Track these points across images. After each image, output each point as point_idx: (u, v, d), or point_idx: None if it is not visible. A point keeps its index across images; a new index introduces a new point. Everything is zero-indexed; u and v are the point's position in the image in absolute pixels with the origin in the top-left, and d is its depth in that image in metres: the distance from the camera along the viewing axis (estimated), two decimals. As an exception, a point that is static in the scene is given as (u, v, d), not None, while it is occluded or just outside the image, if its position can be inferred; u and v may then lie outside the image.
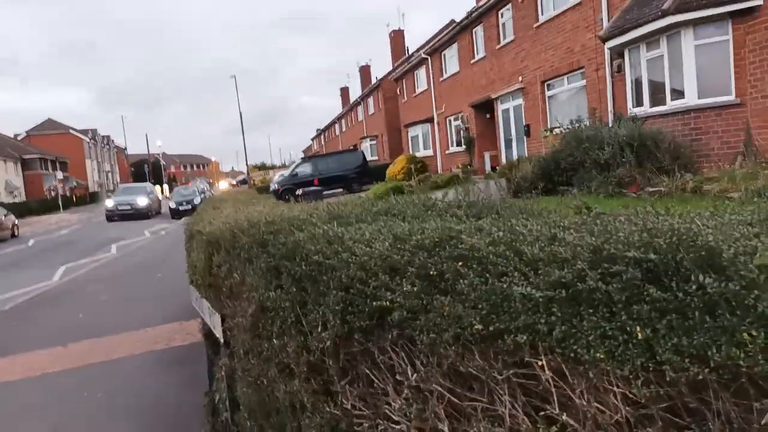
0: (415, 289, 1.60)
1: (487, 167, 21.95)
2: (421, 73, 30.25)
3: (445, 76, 26.47)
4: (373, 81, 43.60)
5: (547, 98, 17.75)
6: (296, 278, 2.11)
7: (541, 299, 1.26)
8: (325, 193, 21.04)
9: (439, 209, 2.58)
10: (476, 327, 1.39)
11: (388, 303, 1.69)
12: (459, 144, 25.37)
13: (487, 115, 22.63)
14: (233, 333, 3.10)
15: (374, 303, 1.72)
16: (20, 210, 45.11)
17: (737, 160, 10.46)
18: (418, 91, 31.04)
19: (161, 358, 7.25)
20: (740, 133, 10.74)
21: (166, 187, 58.43)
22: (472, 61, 22.92)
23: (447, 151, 27.18)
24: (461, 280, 1.45)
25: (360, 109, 47.67)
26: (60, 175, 56.63)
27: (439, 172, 26.17)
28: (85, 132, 75.54)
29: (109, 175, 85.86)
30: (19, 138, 67.23)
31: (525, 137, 19.13)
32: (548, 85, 17.66)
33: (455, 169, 23.25)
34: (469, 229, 1.66)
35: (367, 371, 1.92)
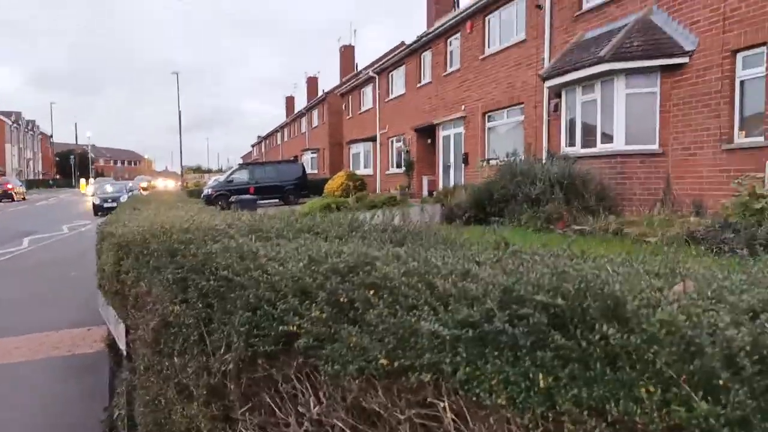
0: (324, 315, 1.52)
1: (425, 191, 22.24)
2: (368, 91, 30.46)
3: (391, 96, 26.76)
4: (320, 94, 43.49)
5: (486, 129, 18.23)
6: (203, 293, 1.98)
7: (448, 337, 1.21)
8: (260, 202, 20.63)
9: (363, 231, 2.52)
10: (381, 361, 1.33)
11: (295, 328, 1.60)
12: (399, 166, 25.61)
13: (429, 140, 23.00)
14: (136, 346, 2.90)
15: (281, 327, 1.63)
16: None
17: (656, 207, 11.06)
18: (364, 108, 31.20)
19: (62, 365, 6.76)
20: (660, 181, 11.38)
21: (92, 181, 55.60)
22: (418, 85, 23.30)
23: (387, 172, 27.36)
24: (371, 310, 1.39)
25: (304, 120, 47.38)
26: (-26, 158, 52.79)
27: (377, 191, 26.28)
28: (7, 114, 71.06)
29: (31, 162, 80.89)
30: (-69, 114, 62.40)
31: (463, 165, 19.53)
32: (489, 117, 18.16)
33: (393, 191, 23.41)
34: (387, 257, 1.60)
35: (269, 399, 1.81)
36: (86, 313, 8.37)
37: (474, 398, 1.17)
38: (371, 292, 1.44)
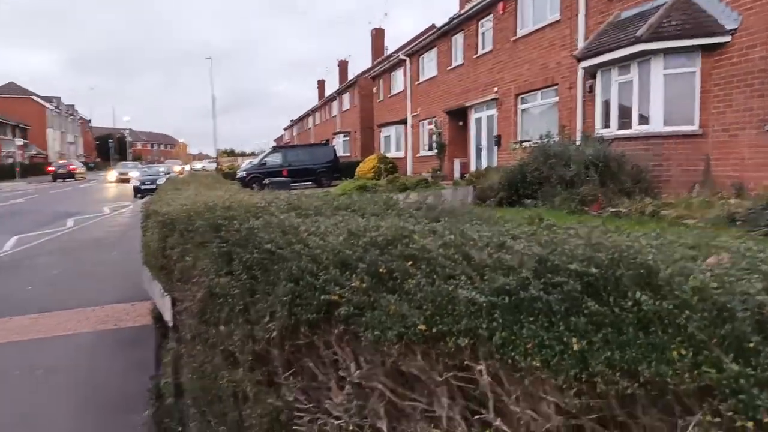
0: (364, 285, 1.59)
1: (456, 174, 22.13)
2: (399, 75, 30.30)
3: (422, 79, 26.58)
4: (351, 77, 43.46)
5: (519, 111, 18.00)
6: (247, 266, 2.08)
7: (484, 304, 1.27)
8: (292, 185, 20.87)
9: (399, 209, 2.58)
10: (420, 327, 1.40)
11: (336, 297, 1.68)
12: (430, 148, 25.50)
13: (460, 123, 22.82)
14: (182, 317, 3.04)
15: (322, 297, 1.71)
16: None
17: (695, 189, 10.82)
18: (394, 91, 31.08)
19: (109, 338, 7.05)
20: (700, 163, 11.10)
21: (116, 166, 57.12)
22: (450, 68, 23.08)
23: (418, 155, 27.30)
24: (409, 280, 1.46)
25: (335, 104, 47.46)
26: (20, 141, 54.72)
27: (408, 174, 26.27)
28: (48, 99, 73.08)
29: (72, 146, 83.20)
30: (-23, 100, 64.60)
31: (495, 147, 19.36)
32: (522, 99, 17.91)
33: (425, 173, 23.37)
34: (423, 231, 1.66)
35: (311, 365, 1.91)
36: (129, 290, 8.69)
37: (509, 361, 1.24)
38: (409, 263, 1.51)
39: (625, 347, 1.09)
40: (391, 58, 31.71)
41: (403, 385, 1.59)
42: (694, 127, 11.22)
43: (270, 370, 2.10)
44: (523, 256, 1.30)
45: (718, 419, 0.98)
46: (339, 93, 45.82)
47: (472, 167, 20.99)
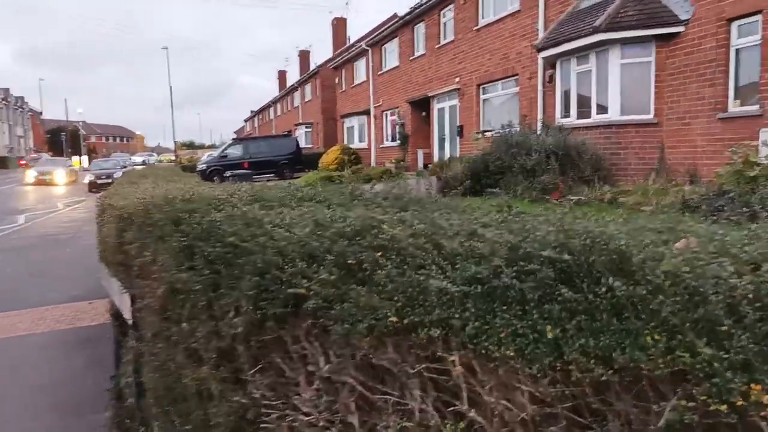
0: (333, 277, 1.55)
1: (420, 164, 22.20)
2: (361, 65, 30.12)
3: (384, 69, 26.49)
4: (312, 67, 42.99)
5: (481, 101, 18.13)
6: (210, 260, 2.00)
7: (456, 294, 1.24)
8: (254, 177, 20.55)
9: (365, 199, 2.54)
10: (391, 319, 1.36)
11: (303, 291, 1.63)
12: (394, 139, 25.48)
13: (423, 113, 22.86)
14: (142, 315, 2.94)
15: (289, 290, 1.66)
16: None
17: (651, 176, 11.11)
18: (357, 82, 30.90)
19: (66, 338, 6.81)
20: (655, 151, 11.41)
21: (84, 158, 54.84)
22: (412, 58, 23.06)
23: (381, 145, 27.25)
24: (379, 271, 1.42)
25: (297, 94, 46.91)
26: (-36, 135, 52.30)
27: (372, 165, 26.20)
28: (-5, 91, 69.96)
29: (22, 140, 79.94)
30: None
31: (458, 137, 19.47)
32: (483, 89, 18.04)
33: (388, 164, 23.35)
34: (392, 220, 1.63)
35: (279, 360, 1.86)
36: (86, 288, 8.41)
37: (483, 351, 1.22)
38: (379, 253, 1.47)
39: (599, 334, 1.08)
40: (353, 48, 31.48)
41: (374, 379, 1.56)
42: (649, 116, 11.51)
43: (236, 367, 2.04)
44: (495, 244, 1.28)
45: (692, 404, 0.98)
46: (300, 83, 45.29)
47: (435, 158, 21.08)
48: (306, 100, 43.91)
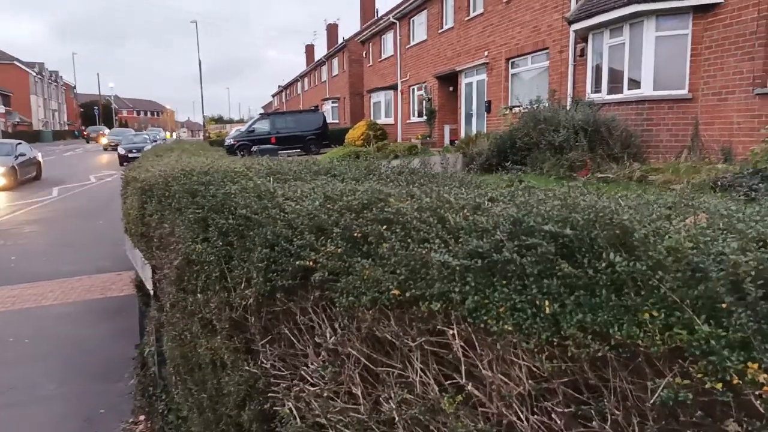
0: (339, 250, 1.56)
1: (446, 140, 21.99)
2: (389, 38, 29.77)
3: (412, 43, 26.13)
4: (340, 41, 42.68)
5: (510, 76, 17.79)
6: (223, 232, 2.03)
7: (457, 268, 1.24)
8: (281, 152, 20.65)
9: (380, 174, 2.53)
10: (393, 292, 1.37)
11: (311, 263, 1.65)
12: (420, 114, 25.26)
13: (450, 88, 22.56)
14: (161, 285, 3.01)
15: (297, 262, 1.67)
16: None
17: (683, 154, 10.80)
18: (384, 56, 30.59)
19: (95, 307, 7.05)
20: (688, 128, 11.07)
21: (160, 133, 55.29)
22: (440, 31, 22.68)
23: (408, 121, 27.05)
24: (383, 244, 1.42)
25: (324, 69, 46.70)
26: (1, 108, 53.62)
27: (398, 140, 26.07)
28: (31, 65, 71.30)
29: (56, 114, 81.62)
30: (-43, 65, 62.85)
31: (485, 113, 19.18)
32: (512, 63, 17.68)
33: (414, 140, 23.20)
34: (400, 194, 1.62)
35: (288, 332, 1.88)
36: (116, 259, 8.63)
37: (482, 325, 1.21)
38: (384, 227, 1.47)
39: (598, 310, 1.07)
40: (381, 21, 31.10)
41: (378, 351, 1.57)
42: (684, 92, 11.14)
43: (248, 337, 2.08)
44: (499, 218, 1.26)
45: (687, 381, 0.97)
46: (328, 58, 45.06)
47: (462, 133, 20.84)
48: (333, 74, 43.73)
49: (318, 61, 49.59)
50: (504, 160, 12.71)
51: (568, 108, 12.64)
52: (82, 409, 4.47)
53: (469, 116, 21.02)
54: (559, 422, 1.17)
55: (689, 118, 11.05)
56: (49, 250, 10.24)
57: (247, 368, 2.04)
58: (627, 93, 11.95)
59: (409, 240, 1.39)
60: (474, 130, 19.59)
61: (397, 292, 1.36)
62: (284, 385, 1.87)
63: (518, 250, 1.17)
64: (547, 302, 1.12)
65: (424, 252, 1.31)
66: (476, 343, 1.25)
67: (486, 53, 18.75)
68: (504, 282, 1.18)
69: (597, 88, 13.01)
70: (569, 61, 14.33)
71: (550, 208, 1.22)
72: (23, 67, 69.21)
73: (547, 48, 15.51)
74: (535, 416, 1.20)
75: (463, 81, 21.04)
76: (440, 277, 1.27)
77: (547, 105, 13.18)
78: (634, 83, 11.79)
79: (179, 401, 3.25)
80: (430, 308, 1.29)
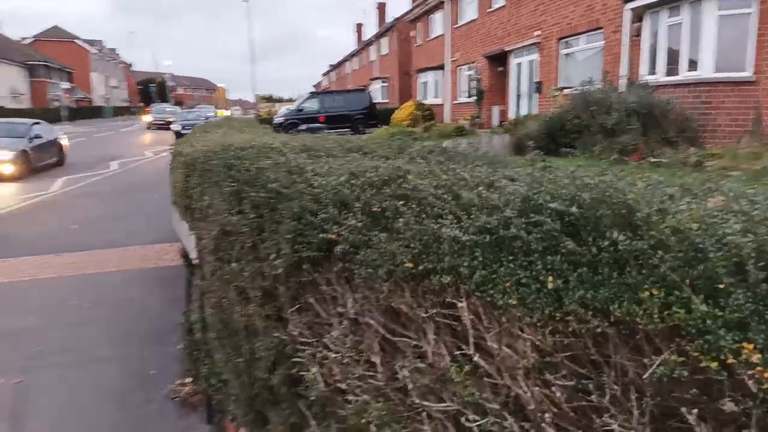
0: (359, 224, 1.61)
1: (495, 121, 21.67)
2: (438, 17, 29.37)
3: (461, 22, 25.71)
4: (389, 20, 42.40)
5: (561, 56, 17.31)
6: (255, 204, 2.13)
7: (467, 243, 1.28)
8: (328, 131, 20.84)
9: (411, 152, 2.57)
10: (407, 265, 1.42)
11: (334, 236, 1.71)
12: (469, 95, 24.92)
13: (500, 68, 22.15)
14: (203, 254, 3.15)
15: (321, 235, 1.74)
16: (23, 117, 44.71)
17: (743, 139, 10.32)
18: (433, 35, 30.24)
19: (149, 275, 7.40)
20: (750, 112, 10.55)
21: (174, 108, 56.94)
22: (490, 10, 22.22)
23: (456, 101, 26.76)
24: (399, 218, 1.47)
25: (373, 48, 46.57)
26: (66, 85, 56.00)
27: (446, 121, 25.85)
28: (91, 43, 73.95)
29: (115, 91, 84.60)
30: (24, 42, 65.83)
31: (535, 94, 18.78)
32: (564, 43, 17.19)
33: (462, 121, 22.95)
34: (420, 171, 1.66)
35: (313, 301, 1.97)
36: (169, 230, 8.98)
37: (488, 299, 1.25)
38: (401, 202, 1.52)
39: (600, 287, 1.09)
40: (430, 1, 30.69)
41: (395, 322, 1.63)
42: (746, 74, 10.60)
43: (277, 305, 2.18)
44: (510, 195, 1.29)
45: (683, 359, 0.98)
46: (377, 37, 44.88)
47: (511, 115, 20.49)
48: (382, 54, 43.56)
49: (367, 41, 49.49)
50: (553, 143, 12.46)
51: (621, 90, 12.24)
52: (135, 369, 4.74)
53: (518, 97, 20.63)
54: (560, 395, 1.21)
55: (751, 102, 10.53)
56: (107, 220, 10.76)
57: (276, 335, 2.14)
58: (685, 74, 11.47)
59: (423, 215, 1.43)
60: (523, 112, 19.23)
61: (410, 265, 1.41)
62: (309, 352, 1.96)
63: (525, 227, 1.20)
64: (550, 278, 1.14)
65: (436, 227, 1.35)
66: (483, 316, 1.30)
67: (537, 33, 18.29)
68: (510, 257, 1.21)
69: (652, 70, 12.54)
70: (623, 41, 13.83)
71: (559, 187, 1.24)
72: (83, 44, 71.85)
73: (600, 27, 15.00)
74: (538, 388, 1.24)
75: (513, 61, 20.63)
76: (450, 252, 1.31)
77: (599, 86, 12.80)
78: (693, 65, 11.30)
79: (220, 365, 3.42)
80: (441, 281, 1.34)
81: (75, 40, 71.25)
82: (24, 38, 67.36)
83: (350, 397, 1.77)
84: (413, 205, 1.47)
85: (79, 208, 11.98)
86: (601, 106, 11.70)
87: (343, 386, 1.79)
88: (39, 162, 17.02)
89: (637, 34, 13.22)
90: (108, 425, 3.89)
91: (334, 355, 1.83)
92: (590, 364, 1.17)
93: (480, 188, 1.42)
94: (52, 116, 50.89)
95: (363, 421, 1.70)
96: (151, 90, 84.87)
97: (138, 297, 6.50)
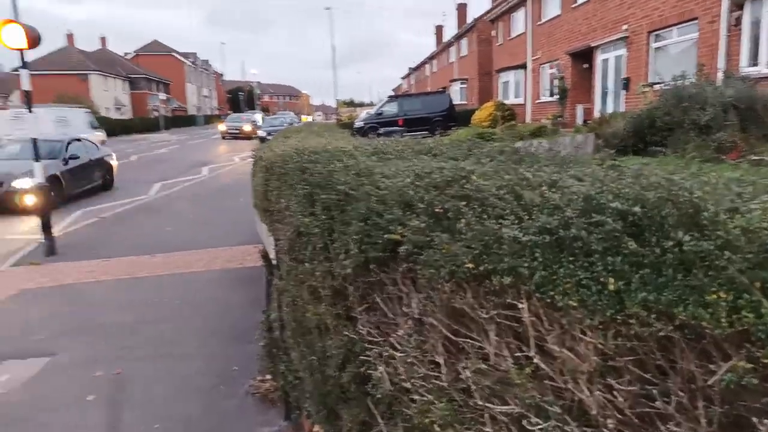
0: (423, 225, 1.64)
1: (579, 120, 20.92)
2: (519, 15, 28.77)
3: (543, 19, 25.05)
4: (469, 21, 42.04)
5: (651, 50, 16.44)
6: (326, 206, 2.20)
7: (527, 243, 1.27)
8: (407, 134, 20.95)
9: (480, 152, 2.56)
10: (468, 265, 1.42)
11: (398, 236, 1.74)
12: (551, 94, 24.23)
13: (585, 65, 21.36)
14: (280, 255, 3.28)
15: (386, 236, 1.78)
16: (126, 127, 48.30)
17: None
18: (514, 34, 29.66)
19: (234, 275, 7.77)
20: None
21: (257, 116, 59.15)
22: (574, 5, 21.49)
23: (538, 101, 26.09)
24: (461, 219, 1.48)
25: (453, 50, 46.34)
26: (163, 96, 59.92)
27: (527, 121, 25.28)
28: (186, 55, 78.75)
29: (207, 100, 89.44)
30: (127, 57, 71.19)
31: (623, 91, 17.95)
32: (655, 36, 16.31)
33: (545, 120, 22.34)
34: (484, 172, 1.66)
35: (380, 301, 2.01)
36: (254, 233, 9.39)
37: (548, 300, 1.23)
38: (463, 202, 1.53)
39: (663, 289, 1.05)
40: (512, -1, 30.12)
41: (458, 322, 1.63)
42: None
43: (347, 304, 2.24)
44: (572, 195, 1.27)
45: (752, 365, 0.93)
46: (457, 38, 44.63)
47: (596, 113, 19.71)
48: (461, 55, 43.25)
49: (447, 42, 49.31)
50: (641, 141, 11.86)
51: (717, 84, 11.46)
52: (218, 365, 5.00)
53: (604, 94, 19.83)
54: (623, 400, 1.17)
55: None
56: (197, 222, 11.42)
57: (346, 333, 2.20)
58: (791, 65, 10.57)
59: (485, 216, 1.43)
60: (609, 110, 18.45)
61: (471, 265, 1.42)
62: (377, 351, 2.00)
63: (586, 227, 1.18)
64: (612, 279, 1.11)
65: (496, 227, 1.35)
66: (544, 318, 1.28)
67: (625, 27, 17.49)
68: (571, 258, 1.19)
69: (753, 61, 11.66)
70: (721, 32, 12.93)
71: (622, 186, 1.20)
72: (179, 57, 76.62)
73: (695, 18, 14.12)
74: (600, 393, 1.20)
75: (599, 57, 19.85)
76: (510, 252, 1.30)
77: (693, 80, 12.05)
78: (801, 54, 10.40)
79: (296, 363, 3.54)
80: (501, 282, 1.34)
81: (172, 53, 76.17)
82: (127, 53, 72.87)
83: (415, 397, 1.80)
84: (475, 206, 1.48)
85: (173, 210, 12.78)
86: (694, 102, 11.01)
87: (408, 385, 1.82)
88: (75, 188, 14.32)
89: (736, 24, 12.34)
90: (194, 417, 4.12)
91: (399, 355, 1.86)
92: (655, 369, 1.12)
93: (542, 188, 1.40)
94: (151, 125, 54.65)
95: (427, 421, 1.72)
96: (239, 98, 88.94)
97: (222, 296, 6.85)
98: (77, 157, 14.65)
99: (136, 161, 25.58)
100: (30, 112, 9.38)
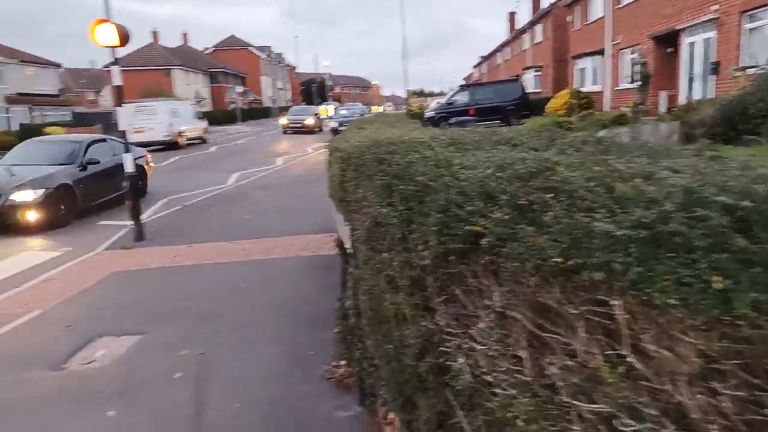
0: (506, 217, 1.61)
1: (662, 108, 19.86)
2: (598, -1, 27.61)
3: (624, 2, 23.90)
4: (544, 6, 40.75)
5: (744, 31, 15.32)
6: (404, 197, 2.20)
7: (621, 237, 1.21)
8: (479, 124, 20.65)
9: (563, 143, 2.48)
10: (556, 259, 1.38)
11: (480, 228, 1.72)
12: (632, 80, 23.12)
13: (669, 49, 20.22)
14: (356, 244, 3.33)
15: (467, 227, 1.76)
16: (208, 119, 50.40)
17: None
18: (592, 19, 28.48)
19: (309, 263, 7.97)
20: None
21: (330, 107, 59.11)
22: (659, -14, 20.37)
23: (617, 88, 24.98)
24: (548, 212, 1.44)
25: (526, 37, 45.11)
26: (240, 89, 62.08)
27: (605, 109, 24.25)
28: (261, 49, 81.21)
29: (281, 92, 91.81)
30: (206, 52, 74.28)
31: (712, 76, 16.86)
32: (748, 17, 15.18)
33: (624, 108, 21.37)
34: (570, 163, 1.60)
35: (460, 293, 1.99)
36: (327, 221, 9.59)
37: (645, 297, 1.18)
38: (550, 195, 1.48)
39: (777, 289, 0.98)
40: (590, -19, 28.91)
41: (543, 317, 1.60)
42: None
43: (425, 295, 2.24)
44: (670, 188, 1.20)
45: None
46: (531, 24, 43.40)
47: (682, 100, 18.64)
48: (535, 42, 42.03)
49: (520, 29, 48.09)
50: (732, 130, 11.14)
51: (821, 65, 10.55)
52: (295, 350, 5.15)
53: (690, 80, 18.72)
54: (729, 406, 1.10)
55: None
56: (274, 210, 11.79)
57: (424, 324, 2.20)
58: None
59: (574, 208, 1.38)
60: (696, 96, 17.41)
61: (559, 260, 1.38)
62: (456, 342, 1.99)
63: (687, 222, 1.11)
64: (717, 278, 1.05)
65: (587, 221, 1.30)
66: (639, 316, 1.22)
67: (715, 7, 16.39)
68: (670, 254, 1.13)
69: None
70: (828, 7, 11.86)
71: (727, 179, 1.12)
72: (255, 51, 79.09)
73: (797, -7, 13.02)
74: (702, 396, 1.14)
75: (685, 40, 18.74)
76: (602, 247, 1.25)
77: (793, 63, 11.16)
78: None
79: (371, 350, 3.59)
80: (591, 277, 1.29)
81: (248, 47, 78.78)
82: (206, 48, 76.02)
83: (497, 390, 1.78)
84: (563, 198, 1.43)
85: (251, 199, 13.26)
86: (794, 86, 10.21)
87: (490, 378, 1.80)
88: (93, 199, 11.85)
89: None
90: (272, 399, 4.27)
91: (480, 347, 1.84)
92: (765, 374, 1.05)
93: (636, 180, 1.33)
94: (229, 117, 56.77)
95: (509, 415, 1.69)
96: (312, 90, 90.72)
97: (298, 282, 7.04)
98: (96, 162, 12.01)
99: (215, 152, 26.72)
100: (120, 107, 9.98)
